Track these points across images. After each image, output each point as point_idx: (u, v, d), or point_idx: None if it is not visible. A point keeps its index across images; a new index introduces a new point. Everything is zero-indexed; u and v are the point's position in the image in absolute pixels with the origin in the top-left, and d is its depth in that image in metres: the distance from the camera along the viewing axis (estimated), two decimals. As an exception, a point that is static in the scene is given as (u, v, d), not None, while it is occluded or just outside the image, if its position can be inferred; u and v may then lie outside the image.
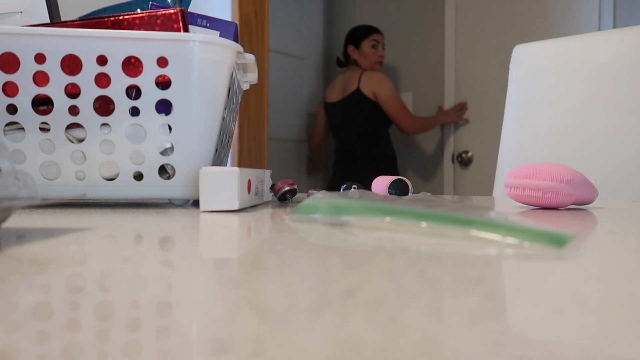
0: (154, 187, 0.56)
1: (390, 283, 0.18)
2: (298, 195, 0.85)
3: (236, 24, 0.66)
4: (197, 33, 0.59)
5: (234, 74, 0.62)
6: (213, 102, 0.57)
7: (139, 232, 0.33)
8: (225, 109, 0.61)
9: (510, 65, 1.11)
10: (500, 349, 0.12)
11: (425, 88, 2.78)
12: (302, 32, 2.86)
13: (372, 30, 2.56)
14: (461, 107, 2.60)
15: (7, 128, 0.56)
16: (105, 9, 0.66)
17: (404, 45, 2.87)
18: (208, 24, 0.65)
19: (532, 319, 0.14)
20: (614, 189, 0.93)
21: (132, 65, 0.55)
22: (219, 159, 0.64)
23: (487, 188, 2.61)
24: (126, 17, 0.57)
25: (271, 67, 2.68)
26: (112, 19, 0.57)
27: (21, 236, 0.31)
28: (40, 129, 0.55)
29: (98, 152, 0.55)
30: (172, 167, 0.57)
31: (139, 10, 0.59)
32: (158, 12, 0.58)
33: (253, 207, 0.56)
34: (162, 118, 0.56)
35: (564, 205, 0.53)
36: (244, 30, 1.95)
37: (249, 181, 0.53)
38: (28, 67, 0.54)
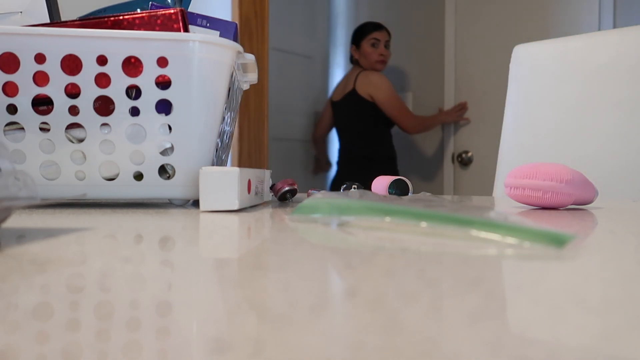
0: (154, 187, 0.56)
1: (390, 283, 0.18)
2: (298, 195, 0.85)
3: (236, 24, 0.66)
4: (197, 33, 0.59)
5: (234, 74, 0.62)
6: (213, 102, 0.57)
7: (139, 232, 0.33)
8: (225, 109, 0.61)
9: (510, 65, 1.11)
10: (500, 349, 0.12)
11: (425, 88, 2.78)
12: (309, 31, 2.82)
13: (373, 28, 2.50)
14: (461, 107, 2.60)
15: (7, 128, 0.56)
16: (105, 9, 0.66)
17: (404, 45, 2.87)
18: (208, 24, 0.65)
19: (532, 319, 0.14)
20: (614, 189, 0.93)
21: (132, 65, 0.55)
22: (219, 159, 0.64)
23: (487, 188, 2.61)
24: (126, 17, 0.57)
25: (278, 66, 2.64)
26: (112, 19, 0.57)
27: (21, 236, 0.31)
28: (40, 129, 0.55)
29: (98, 152, 0.55)
30: (172, 167, 0.57)
31: (139, 10, 0.59)
32: (158, 12, 0.58)
33: (253, 207, 0.56)
34: (162, 118, 0.56)
35: (564, 205, 0.53)
36: (244, 30, 1.95)
37: (249, 181, 0.53)
38: (28, 67, 0.54)
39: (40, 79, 0.55)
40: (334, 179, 2.61)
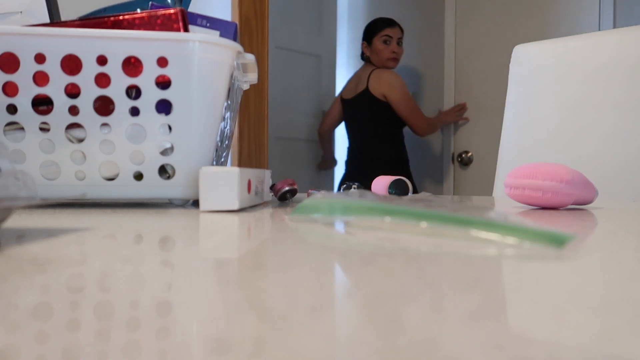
0: (154, 187, 0.56)
1: (390, 283, 0.18)
2: (298, 195, 0.85)
3: (236, 24, 0.66)
4: (197, 33, 0.59)
5: (234, 74, 0.62)
6: (213, 102, 0.57)
7: (139, 232, 0.33)
8: (225, 109, 0.61)
9: (510, 65, 1.11)
10: (500, 349, 0.12)
11: (425, 88, 2.78)
12: (315, 29, 2.75)
13: (385, 24, 2.41)
14: (460, 108, 2.59)
15: (7, 128, 0.56)
16: (105, 9, 0.66)
17: (404, 45, 2.87)
18: (208, 24, 0.65)
19: (532, 319, 0.14)
20: (614, 189, 0.93)
21: (132, 65, 0.55)
22: (219, 159, 0.64)
23: (487, 188, 2.61)
24: (126, 17, 0.57)
25: (284, 65, 2.59)
26: (112, 19, 0.57)
27: (21, 236, 0.31)
28: (40, 129, 0.55)
29: (98, 152, 0.55)
30: (172, 167, 0.57)
31: (139, 10, 0.59)
32: (158, 12, 0.58)
33: (253, 207, 0.56)
34: (162, 118, 0.56)
35: (564, 205, 0.53)
36: (244, 30, 1.95)
37: (249, 181, 0.53)
38: (28, 67, 0.54)
39: (40, 79, 0.55)
40: (342, 178, 2.52)
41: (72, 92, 0.55)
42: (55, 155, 0.55)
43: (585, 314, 0.15)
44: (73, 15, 1.62)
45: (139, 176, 0.57)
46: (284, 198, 0.63)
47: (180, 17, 0.58)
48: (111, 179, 0.56)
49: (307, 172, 2.75)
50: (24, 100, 0.54)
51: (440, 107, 2.71)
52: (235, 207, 0.48)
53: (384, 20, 2.44)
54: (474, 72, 2.60)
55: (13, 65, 0.54)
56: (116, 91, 0.55)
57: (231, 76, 0.59)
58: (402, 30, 2.45)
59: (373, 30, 2.44)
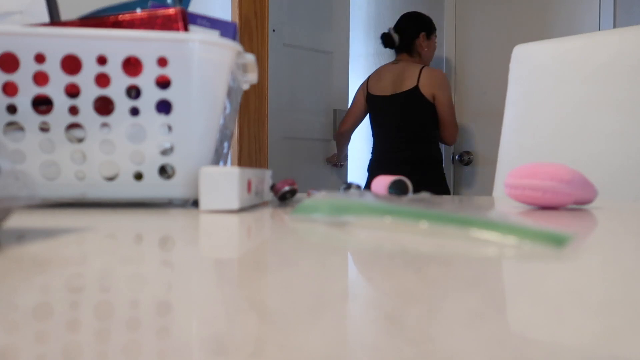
0: (154, 187, 0.56)
1: (390, 283, 0.18)
2: (298, 195, 0.85)
3: (236, 24, 0.66)
4: (197, 33, 0.59)
5: (234, 74, 0.62)
6: (213, 102, 0.57)
7: (139, 232, 0.33)
8: (225, 109, 0.61)
9: (510, 65, 1.11)
10: (500, 349, 0.12)
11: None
12: (328, 25, 2.63)
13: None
14: None
15: (7, 128, 0.56)
16: (105, 9, 0.66)
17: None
18: (208, 24, 0.65)
19: (532, 319, 0.14)
20: (614, 189, 0.93)
21: (132, 65, 0.55)
22: (219, 159, 0.64)
23: (487, 188, 2.61)
24: (126, 17, 0.57)
25: (293, 63, 2.49)
26: (112, 19, 0.57)
27: (21, 236, 0.31)
28: (40, 129, 0.55)
29: (98, 152, 0.55)
30: (172, 167, 0.57)
31: (139, 10, 0.59)
32: (158, 12, 0.58)
33: (253, 207, 0.56)
34: (162, 118, 0.56)
35: (564, 205, 0.53)
36: (244, 30, 1.95)
37: (249, 181, 0.53)
38: (28, 67, 0.54)
39: (40, 79, 0.54)
40: (367, 182, 2.30)
41: (72, 92, 0.55)
42: (55, 155, 0.55)
43: (585, 314, 0.15)
44: (73, 15, 1.62)
45: (139, 176, 0.57)
46: (284, 198, 0.63)
47: (180, 17, 0.58)
48: (111, 179, 0.56)
49: (318, 172, 2.62)
50: (24, 100, 0.54)
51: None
52: (235, 207, 0.48)
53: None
54: (473, 72, 2.60)
55: (13, 65, 0.54)
56: (116, 91, 0.55)
57: (231, 76, 0.59)
58: None
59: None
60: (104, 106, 0.56)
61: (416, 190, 2.11)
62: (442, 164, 2.28)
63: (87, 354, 0.11)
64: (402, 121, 2.21)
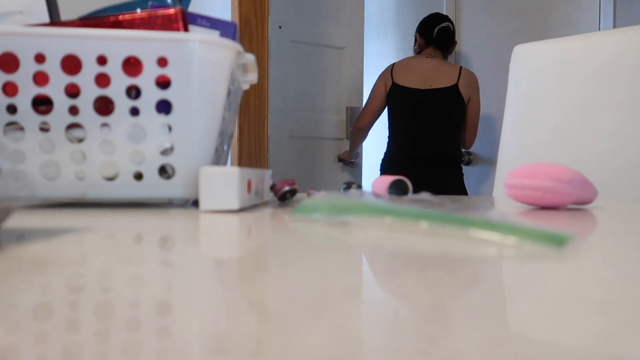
0: (154, 187, 0.56)
1: (390, 283, 0.18)
2: (298, 195, 0.85)
3: (236, 24, 0.66)
4: (197, 33, 0.59)
5: (234, 74, 0.62)
6: (213, 102, 0.57)
7: (139, 232, 0.33)
8: (225, 109, 0.61)
9: (510, 65, 1.11)
10: (500, 349, 0.12)
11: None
12: (339, 19, 2.52)
13: None
14: None
15: (7, 128, 0.56)
16: (105, 9, 0.66)
17: (403, 46, 2.87)
18: (208, 24, 0.65)
19: (532, 319, 0.14)
20: (614, 189, 0.93)
21: (132, 65, 0.55)
22: (219, 159, 0.64)
23: (487, 188, 2.61)
24: (126, 17, 0.57)
25: (303, 60, 2.41)
26: (112, 19, 0.57)
27: (21, 236, 0.31)
28: (40, 129, 0.55)
29: (98, 152, 0.55)
30: (172, 167, 0.57)
31: (139, 10, 0.59)
32: (158, 12, 0.58)
33: (253, 207, 0.56)
34: (162, 118, 0.56)
35: (564, 205, 0.53)
36: (244, 30, 1.95)
37: (249, 181, 0.53)
38: (28, 67, 0.54)
39: (40, 79, 0.54)
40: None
41: (72, 92, 0.55)
42: (55, 155, 0.55)
43: (585, 314, 0.15)
44: (73, 15, 1.62)
45: (139, 176, 0.57)
46: (284, 198, 0.63)
47: (180, 17, 0.58)
48: (111, 179, 0.56)
49: (333, 174, 2.52)
50: (24, 100, 0.54)
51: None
52: (235, 207, 0.48)
53: None
54: (474, 72, 2.60)
55: (13, 65, 0.54)
56: (116, 91, 0.55)
57: (231, 76, 0.59)
58: None
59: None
60: (104, 106, 0.56)
61: (440, 190, 2.09)
62: (461, 163, 2.24)
63: (87, 354, 0.11)
64: (437, 117, 2.13)
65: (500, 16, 2.53)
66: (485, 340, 0.12)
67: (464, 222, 0.30)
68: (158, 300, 0.16)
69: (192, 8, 2.04)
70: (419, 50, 2.28)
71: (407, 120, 2.16)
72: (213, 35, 0.65)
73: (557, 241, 0.27)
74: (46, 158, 0.55)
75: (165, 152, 0.57)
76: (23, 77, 0.54)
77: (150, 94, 0.55)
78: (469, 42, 2.63)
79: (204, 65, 0.55)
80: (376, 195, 0.41)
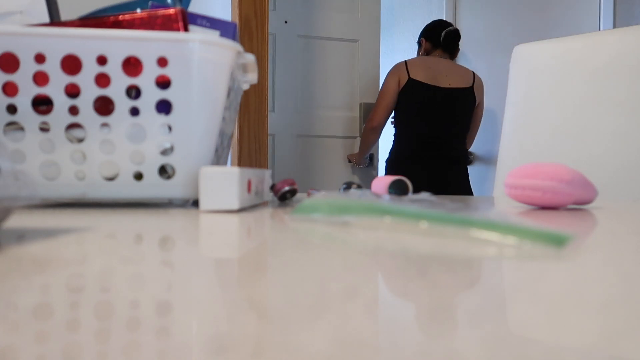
0: (154, 187, 0.56)
1: (390, 283, 0.18)
2: (298, 195, 0.85)
3: (236, 24, 0.66)
4: (197, 33, 0.59)
5: (234, 74, 0.62)
6: (213, 102, 0.57)
7: (139, 232, 0.33)
8: (225, 109, 0.61)
9: (510, 65, 1.11)
10: (500, 349, 0.12)
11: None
12: (353, 10, 2.42)
13: None
14: None
15: (7, 128, 0.56)
16: (105, 9, 0.66)
17: (403, 46, 2.87)
18: (208, 24, 0.65)
19: (532, 319, 0.14)
20: (614, 189, 0.93)
21: (132, 65, 0.55)
22: (219, 159, 0.64)
23: (487, 188, 2.61)
24: (126, 17, 0.57)
25: (312, 56, 2.33)
26: (112, 19, 0.57)
27: (21, 236, 0.31)
28: (40, 129, 0.55)
29: (98, 152, 0.55)
30: (172, 167, 0.57)
31: (139, 10, 0.59)
32: (158, 12, 0.58)
33: (253, 207, 0.56)
34: (162, 118, 0.56)
35: (564, 205, 0.53)
36: (244, 30, 1.95)
37: (249, 181, 0.53)
38: (28, 67, 0.54)
39: (40, 79, 0.54)
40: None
41: (72, 92, 0.55)
42: (55, 155, 0.55)
43: (585, 314, 0.15)
44: (73, 15, 1.62)
45: (139, 176, 0.57)
46: (284, 198, 0.63)
47: (180, 17, 0.58)
48: (111, 179, 0.56)
49: (345, 173, 2.43)
50: (24, 100, 0.54)
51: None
52: (235, 207, 0.48)
53: None
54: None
55: (13, 65, 0.54)
56: (116, 91, 0.55)
57: (231, 76, 0.59)
58: None
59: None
60: (104, 106, 0.56)
61: (449, 190, 2.12)
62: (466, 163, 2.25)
63: (87, 354, 0.11)
64: (454, 117, 2.13)
65: (500, 16, 2.53)
66: (485, 340, 0.12)
67: (464, 222, 0.30)
68: (158, 301, 0.16)
69: (192, 8, 2.04)
70: (426, 54, 2.28)
71: (421, 117, 2.12)
72: (213, 35, 0.65)
73: (557, 241, 0.27)
74: (46, 158, 0.55)
75: (165, 152, 0.57)
76: (23, 77, 0.54)
77: (150, 94, 0.55)
78: (469, 42, 2.63)
79: (204, 65, 0.55)
80: (376, 195, 0.41)
